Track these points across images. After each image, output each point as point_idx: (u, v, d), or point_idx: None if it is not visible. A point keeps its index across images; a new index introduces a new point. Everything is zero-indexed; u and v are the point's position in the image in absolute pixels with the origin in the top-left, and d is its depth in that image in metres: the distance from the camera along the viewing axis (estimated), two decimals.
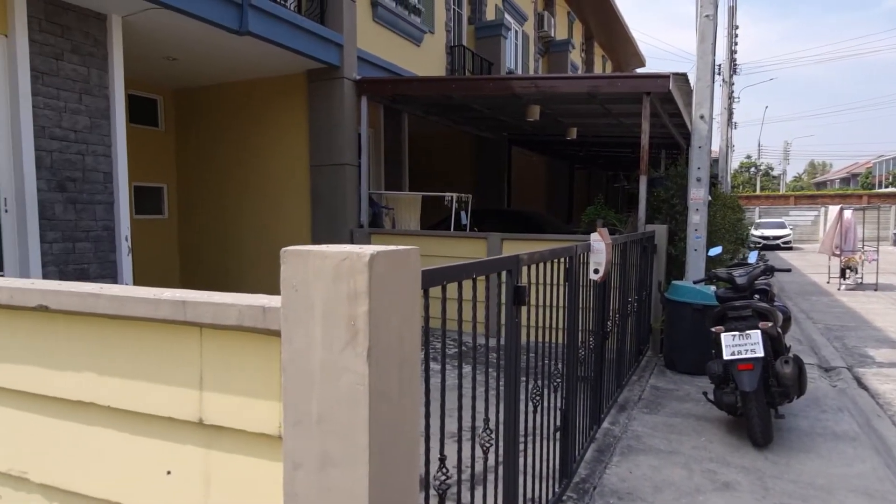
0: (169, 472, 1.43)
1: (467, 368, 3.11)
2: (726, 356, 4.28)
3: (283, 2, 7.49)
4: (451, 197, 8.90)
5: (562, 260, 2.94)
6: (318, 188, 8.47)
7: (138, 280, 7.04)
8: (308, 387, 1.13)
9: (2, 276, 5.43)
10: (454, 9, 12.30)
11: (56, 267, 5.79)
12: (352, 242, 8.24)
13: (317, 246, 1.11)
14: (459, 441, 1.85)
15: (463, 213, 9.35)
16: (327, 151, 8.32)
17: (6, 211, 5.38)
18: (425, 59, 11.04)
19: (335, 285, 1.07)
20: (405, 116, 10.37)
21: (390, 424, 1.15)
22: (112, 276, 6.38)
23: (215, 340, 1.32)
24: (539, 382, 2.71)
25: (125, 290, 1.42)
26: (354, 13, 8.48)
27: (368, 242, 8.16)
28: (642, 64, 26.47)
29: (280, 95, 8.76)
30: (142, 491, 1.48)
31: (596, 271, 3.39)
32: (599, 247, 3.33)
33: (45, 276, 5.68)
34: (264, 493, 1.31)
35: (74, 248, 5.95)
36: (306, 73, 8.38)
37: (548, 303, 2.87)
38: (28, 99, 5.31)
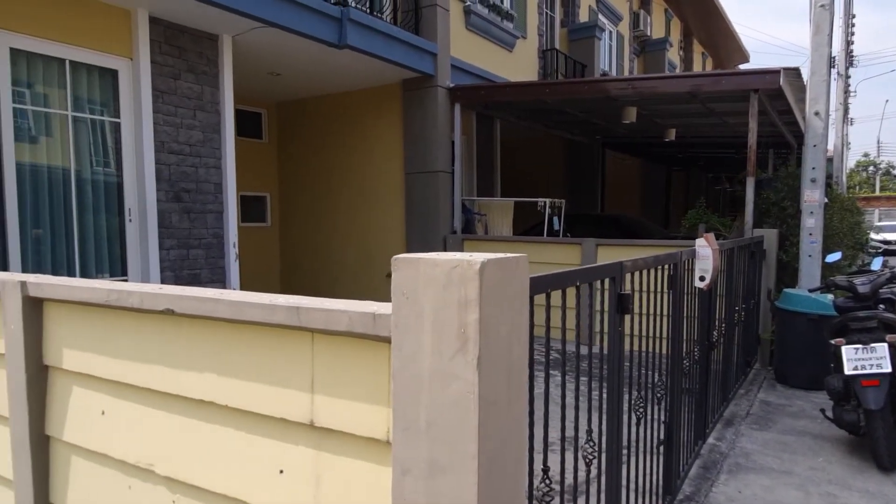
0: (281, 472, 1.48)
1: (558, 376, 3.05)
2: (848, 371, 3.97)
3: (379, 14, 7.70)
4: (545, 202, 8.80)
5: (665, 267, 2.83)
6: (412, 195, 8.62)
7: (244, 285, 7.42)
8: (417, 393, 1.14)
9: (126, 280, 5.89)
10: (546, 12, 12.19)
11: (172, 272, 6.20)
12: (445, 249, 8.32)
13: (428, 254, 1.12)
14: (562, 452, 1.81)
15: (556, 219, 9.22)
16: (422, 159, 8.45)
17: (130, 220, 5.83)
18: (517, 65, 11.00)
19: (445, 293, 1.08)
20: (497, 122, 10.38)
21: (498, 433, 1.14)
22: (221, 281, 6.76)
23: (326, 345, 1.36)
24: (642, 394, 2.61)
25: (242, 296, 1.49)
26: (448, 22, 8.59)
27: (461, 249, 8.22)
28: (746, 59, 25.18)
29: (376, 105, 9.00)
30: (256, 488, 1.54)
31: (702, 279, 3.24)
32: (706, 253, 3.18)
33: (163, 281, 6.11)
34: (373, 497, 1.33)
35: (188, 255, 6.36)
36: (401, 82, 8.56)
37: (650, 311, 2.77)
38: (150, 116, 5.75)
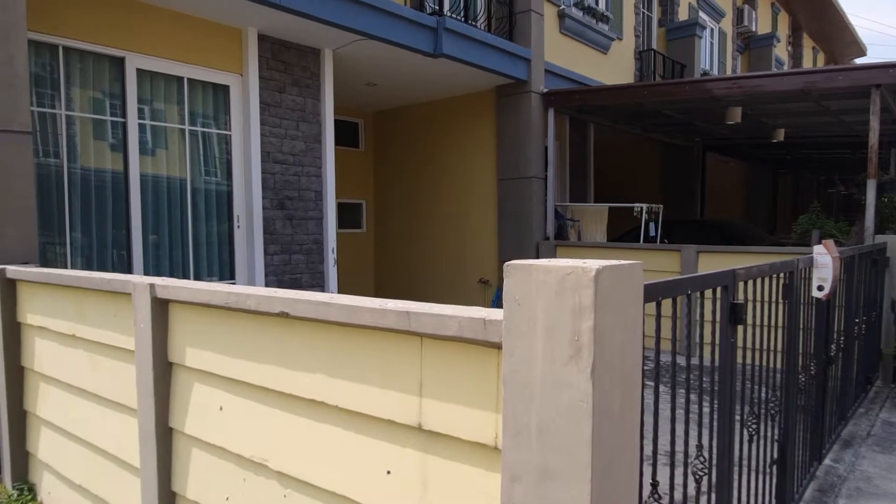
0: (389, 472, 1.52)
1: (662, 387, 2.94)
2: None
3: (473, 22, 7.76)
4: (641, 208, 8.54)
5: (780, 275, 2.67)
6: (505, 201, 8.60)
7: (340, 289, 7.66)
8: (528, 400, 1.14)
9: (233, 283, 6.23)
10: (644, 12, 11.86)
11: (275, 276, 6.50)
12: (537, 255, 8.24)
13: (540, 260, 1.11)
14: (672, 466, 1.74)
15: (652, 225, 8.92)
16: (515, 165, 8.43)
17: (238, 227, 6.17)
18: (612, 67, 10.76)
19: (559, 299, 1.07)
20: (591, 126, 10.18)
21: (612, 442, 1.11)
22: (320, 285, 7.01)
23: (435, 350, 1.38)
24: (755, 409, 2.47)
25: (353, 300, 1.54)
26: (542, 27, 8.53)
27: (554, 255, 8.11)
28: (862, 53, 23.37)
29: (469, 112, 9.07)
30: (364, 487, 1.58)
31: (820, 288, 3.03)
32: (825, 261, 2.97)
33: (267, 285, 6.41)
34: (479, 502, 1.33)
35: (290, 260, 6.64)
36: (495, 88, 8.59)
37: (763, 323, 2.62)
38: (258, 128, 6.07)
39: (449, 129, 9.38)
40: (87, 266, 5.12)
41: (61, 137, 4.92)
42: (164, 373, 2.25)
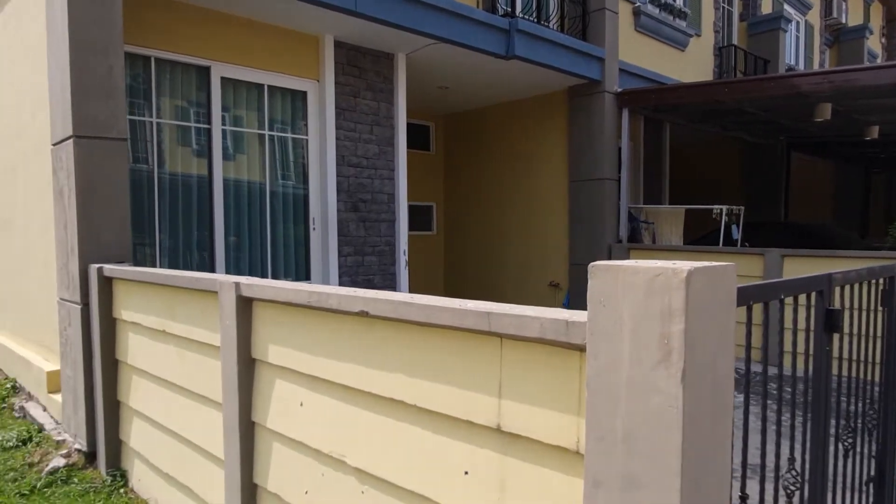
0: (467, 473, 1.51)
1: (740, 397, 2.80)
2: None
3: (546, 23, 7.69)
4: (721, 209, 8.22)
5: (879, 281, 2.50)
6: (576, 203, 8.47)
7: (411, 291, 7.73)
8: (613, 404, 1.11)
9: (309, 283, 6.39)
10: (724, 7, 11.42)
11: (349, 277, 6.64)
12: (609, 258, 8.07)
13: (627, 261, 1.08)
14: (762, 480, 1.66)
15: (734, 227, 8.57)
16: (587, 166, 8.29)
17: (314, 229, 6.34)
18: (690, 64, 10.41)
19: (647, 301, 1.04)
20: (666, 126, 9.89)
21: (702, 451, 1.07)
22: (392, 287, 7.11)
23: (515, 351, 1.37)
24: (851, 423, 2.33)
25: (432, 300, 1.55)
26: (616, 25, 8.36)
27: (627, 257, 7.91)
28: None
29: (540, 114, 8.99)
30: (441, 486, 1.59)
31: None
32: None
33: (340, 286, 6.55)
34: None
35: (363, 261, 6.77)
36: (567, 89, 8.47)
37: (859, 331, 2.46)
38: (333, 133, 6.22)
39: (520, 131, 9.33)
40: (173, 265, 5.38)
41: (151, 144, 5.20)
42: (247, 368, 2.34)
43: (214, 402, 2.58)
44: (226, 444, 2.46)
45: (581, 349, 1.20)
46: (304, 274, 6.35)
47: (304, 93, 6.10)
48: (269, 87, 5.87)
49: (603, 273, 1.09)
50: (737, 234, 8.51)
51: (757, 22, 11.94)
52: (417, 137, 10.22)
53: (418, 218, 10.44)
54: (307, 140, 6.19)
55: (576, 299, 8.28)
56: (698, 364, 1.04)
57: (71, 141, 3.62)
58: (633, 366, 1.07)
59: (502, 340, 1.39)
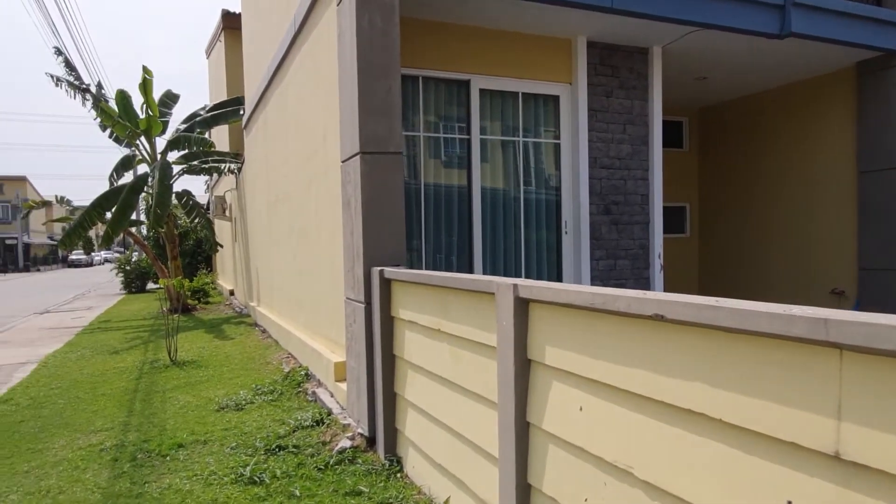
0: (790, 503, 1.32)
1: None
2: None
3: None
4: None
5: None
6: (867, 198, 7.24)
7: None
8: None
9: None
10: None
11: (600, 282, 6.49)
12: None
13: None
14: None
15: None
16: (883, 154, 7.04)
17: (566, 233, 6.32)
18: None
19: None
20: None
21: None
22: None
23: (860, 365, 1.16)
24: None
25: (744, 304, 1.39)
26: None
27: None
28: None
29: (816, 96, 7.88)
30: None
31: None
32: None
33: None
34: None
35: (615, 265, 6.57)
36: (855, 65, 7.30)
37: None
38: (585, 135, 6.15)
39: (788, 119, 8.29)
40: (436, 267, 5.77)
41: (418, 156, 5.65)
42: (522, 369, 2.36)
43: (488, 400, 2.66)
44: (500, 442, 2.51)
45: None
46: (555, 278, 6.37)
47: (557, 97, 6.13)
48: (523, 94, 6.01)
49: None
50: None
51: None
52: (669, 134, 9.66)
53: (670, 219, 9.86)
54: (559, 144, 6.21)
55: (867, 311, 7.05)
56: None
57: (358, 157, 4.06)
58: None
59: (842, 352, 1.19)
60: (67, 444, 4.52)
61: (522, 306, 2.32)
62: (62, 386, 6.41)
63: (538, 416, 2.31)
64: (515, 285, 2.29)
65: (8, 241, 53.55)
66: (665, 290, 7.41)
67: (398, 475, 3.72)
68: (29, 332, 11.28)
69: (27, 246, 54.83)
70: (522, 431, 2.40)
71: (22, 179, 55.81)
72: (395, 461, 3.87)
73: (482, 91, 5.81)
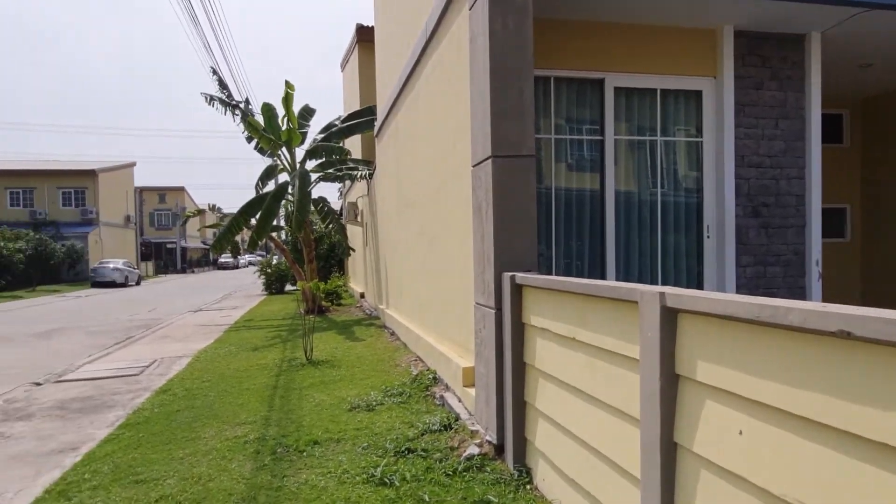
0: None
1: None
2: None
3: None
4: None
5: None
6: None
7: None
8: None
9: None
10: None
11: (747, 290, 5.97)
12: None
13: None
14: None
15: None
16: None
17: (708, 237, 5.89)
18: None
19: None
20: None
21: None
22: None
23: None
24: None
25: None
26: None
27: None
28: None
29: None
30: None
31: None
32: None
33: None
34: None
35: (765, 272, 6.03)
36: None
37: None
38: (731, 131, 5.71)
39: None
40: (566, 273, 5.58)
41: (550, 159, 5.50)
42: (669, 384, 2.18)
43: (628, 415, 2.48)
44: (643, 462, 2.33)
45: None
46: (695, 285, 5.96)
47: (699, 92, 5.74)
48: (662, 91, 5.69)
49: None
50: None
51: None
52: (826, 128, 8.76)
53: (827, 222, 8.92)
54: (701, 142, 5.80)
55: None
56: None
57: (490, 161, 4.01)
58: None
59: None
60: (216, 435, 4.84)
61: (670, 316, 2.13)
62: (212, 379, 6.93)
63: (688, 437, 2.11)
64: (663, 293, 2.11)
65: (168, 246, 59.53)
66: (824, 302, 6.69)
67: (527, 486, 3.61)
68: (185, 328, 12.40)
69: (184, 249, 60.67)
70: (669, 452, 2.21)
71: (180, 189, 61.76)
72: (524, 471, 3.76)
73: (617, 89, 5.56)
